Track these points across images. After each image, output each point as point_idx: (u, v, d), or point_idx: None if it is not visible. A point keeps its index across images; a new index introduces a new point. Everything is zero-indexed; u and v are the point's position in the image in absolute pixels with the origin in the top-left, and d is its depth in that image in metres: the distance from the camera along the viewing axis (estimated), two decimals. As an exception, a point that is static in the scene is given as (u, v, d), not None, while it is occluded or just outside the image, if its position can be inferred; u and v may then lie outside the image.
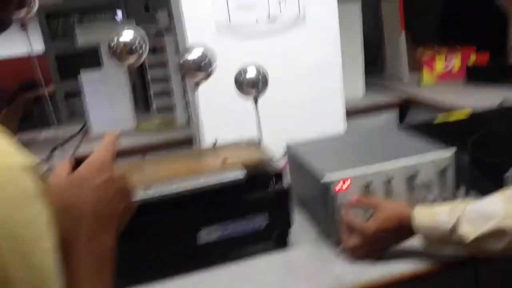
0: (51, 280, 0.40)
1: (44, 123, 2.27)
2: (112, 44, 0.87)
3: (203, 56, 0.92)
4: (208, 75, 0.93)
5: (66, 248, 0.48)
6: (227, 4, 1.36)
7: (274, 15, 1.40)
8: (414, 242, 0.83)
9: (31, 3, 0.81)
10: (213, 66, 0.93)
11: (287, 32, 1.43)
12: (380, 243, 0.85)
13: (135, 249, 0.82)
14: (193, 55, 0.92)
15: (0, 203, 0.36)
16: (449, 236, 0.76)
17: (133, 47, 0.86)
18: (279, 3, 1.39)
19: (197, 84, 0.95)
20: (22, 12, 0.81)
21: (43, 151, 1.85)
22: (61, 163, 0.61)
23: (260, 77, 0.98)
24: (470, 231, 0.74)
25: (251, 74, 0.98)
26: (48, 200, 0.42)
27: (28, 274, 0.38)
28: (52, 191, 0.52)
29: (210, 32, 1.37)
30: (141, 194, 0.81)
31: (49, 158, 1.79)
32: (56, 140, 1.87)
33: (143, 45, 0.87)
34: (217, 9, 1.36)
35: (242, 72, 0.98)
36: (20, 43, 0.88)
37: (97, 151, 0.59)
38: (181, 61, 0.93)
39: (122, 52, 0.87)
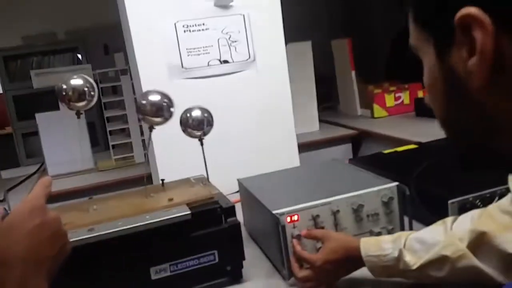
0: None
1: (2, 163, 2.25)
2: (61, 91, 0.90)
3: (161, 101, 0.94)
4: (165, 120, 0.96)
5: None
6: (179, 50, 1.41)
7: (226, 58, 1.46)
8: (363, 272, 0.86)
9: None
10: (172, 111, 0.95)
11: (239, 73, 1.49)
12: (329, 274, 0.87)
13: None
14: (150, 100, 0.94)
15: None
16: (395, 264, 0.80)
17: (82, 94, 0.90)
18: (230, 47, 1.45)
19: (151, 128, 0.97)
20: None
21: (-1, 192, 1.82)
22: None
23: (205, 118, 1.01)
24: (413, 259, 0.78)
25: (195, 115, 1.01)
26: None
27: None
28: None
29: (162, 74, 1.42)
30: (84, 235, 0.82)
31: (4, 199, 1.76)
32: (12, 181, 1.84)
33: (92, 91, 0.91)
34: (170, 54, 1.42)
35: (186, 113, 1.02)
36: None
37: (28, 197, 0.61)
38: (138, 105, 0.95)
39: (71, 98, 0.90)
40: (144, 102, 0.95)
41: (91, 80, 0.92)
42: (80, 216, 0.91)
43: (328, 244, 0.87)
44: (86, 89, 0.90)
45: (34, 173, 2.20)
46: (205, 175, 1.07)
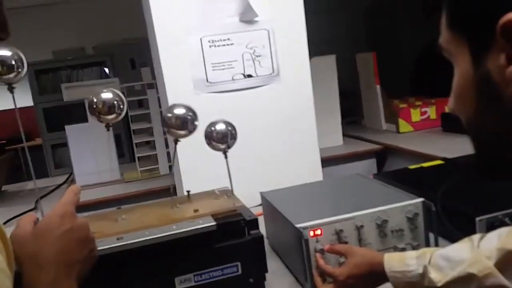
0: None
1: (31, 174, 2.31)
2: (92, 104, 0.92)
3: (186, 114, 0.96)
4: (189, 133, 0.97)
5: None
6: (204, 64, 1.44)
7: (250, 72, 1.48)
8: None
9: (19, 68, 0.86)
10: (196, 124, 0.97)
11: (263, 87, 1.51)
12: None
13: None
14: (175, 113, 0.96)
15: None
16: (419, 281, 0.79)
17: (111, 107, 0.92)
18: (254, 62, 1.47)
19: (176, 140, 0.99)
20: (11, 75, 0.86)
21: (29, 202, 1.87)
22: (26, 216, 0.66)
23: (229, 131, 1.03)
24: (439, 276, 0.77)
25: (220, 128, 1.03)
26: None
27: None
28: (17, 241, 0.60)
29: (188, 88, 1.44)
30: (113, 243, 0.84)
31: (36, 207, 1.81)
32: (42, 191, 1.89)
33: (121, 105, 0.93)
34: (195, 68, 1.44)
35: (211, 127, 1.03)
36: (10, 96, 0.93)
37: (59, 204, 0.65)
38: (164, 118, 0.97)
39: (101, 111, 0.92)
40: (169, 115, 0.96)
41: (121, 94, 0.94)
42: (109, 226, 0.93)
43: (351, 259, 0.86)
44: (115, 102, 0.92)
45: (63, 183, 2.25)
46: (230, 187, 1.08)
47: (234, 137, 1.03)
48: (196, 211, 0.96)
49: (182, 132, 0.97)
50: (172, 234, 0.87)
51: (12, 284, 0.47)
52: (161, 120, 0.99)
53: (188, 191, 1.08)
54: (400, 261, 0.82)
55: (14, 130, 2.97)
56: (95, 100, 0.92)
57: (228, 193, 1.07)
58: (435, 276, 0.77)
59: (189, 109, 0.97)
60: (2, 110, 3.61)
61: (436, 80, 2.43)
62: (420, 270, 0.78)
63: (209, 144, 1.03)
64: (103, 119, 0.93)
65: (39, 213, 1.71)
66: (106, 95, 0.93)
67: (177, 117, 0.96)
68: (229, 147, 1.03)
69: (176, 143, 1.00)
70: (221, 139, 1.02)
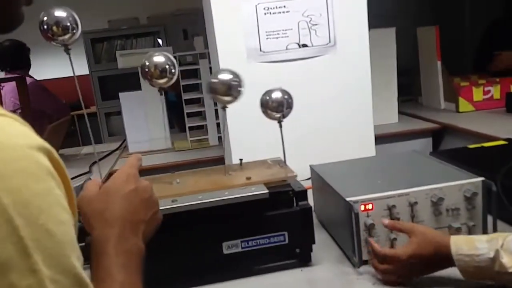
0: (68, 248, 0.42)
1: (86, 139, 2.41)
2: (144, 67, 0.92)
3: (231, 80, 0.95)
4: (235, 98, 0.96)
5: (100, 246, 0.57)
6: (258, 33, 1.41)
7: (305, 42, 1.44)
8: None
9: (74, 29, 0.88)
10: (241, 90, 0.95)
11: (318, 58, 1.46)
12: (413, 269, 0.83)
13: (161, 259, 0.87)
14: (221, 78, 0.95)
15: (16, 174, 0.39)
16: (489, 266, 0.74)
17: (163, 70, 0.92)
18: (310, 31, 1.43)
19: (224, 107, 0.98)
20: (66, 36, 0.87)
21: (83, 166, 1.95)
22: (91, 180, 0.70)
23: (285, 100, 1.00)
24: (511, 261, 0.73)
25: (276, 97, 1.00)
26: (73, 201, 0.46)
27: (45, 241, 0.39)
28: (85, 200, 0.63)
29: (241, 57, 1.42)
30: (168, 206, 0.85)
31: (88, 171, 1.87)
32: (96, 156, 1.95)
33: (173, 69, 0.93)
34: (249, 37, 1.41)
35: (267, 95, 1.01)
36: (66, 64, 0.95)
37: (123, 167, 0.68)
38: (209, 83, 0.96)
39: (153, 74, 0.92)
40: (214, 80, 0.95)
41: (172, 58, 0.94)
42: (164, 188, 0.95)
43: (415, 238, 0.82)
44: (167, 66, 0.92)
45: (117, 149, 2.32)
46: (282, 158, 1.06)
47: (290, 106, 1.01)
48: (248, 178, 0.95)
49: (227, 98, 0.95)
50: (225, 199, 0.87)
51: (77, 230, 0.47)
52: (206, 86, 0.97)
53: (240, 159, 1.07)
54: (469, 244, 0.77)
55: (70, 97, 3.09)
56: (147, 63, 0.92)
57: (280, 163, 1.06)
58: (508, 261, 0.73)
59: (234, 74, 0.95)
60: (60, 78, 3.75)
61: (502, 59, 2.30)
62: (491, 255, 0.74)
63: (264, 112, 1.02)
64: (155, 83, 0.94)
65: (93, 176, 1.79)
66: (158, 58, 0.93)
67: (222, 82, 0.94)
68: (284, 116, 1.01)
69: (224, 110, 0.98)
70: (277, 107, 1.00)
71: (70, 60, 0.92)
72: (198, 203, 0.86)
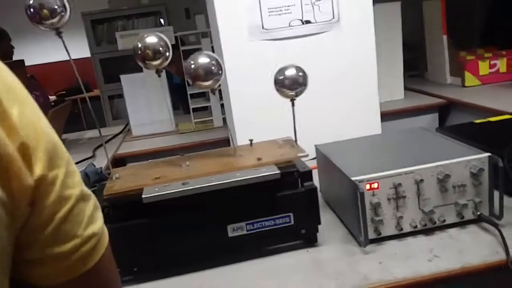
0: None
1: (90, 123, 2.39)
2: (137, 50, 0.91)
3: (210, 63, 0.91)
4: (216, 82, 0.93)
5: None
6: (260, 9, 1.38)
7: (308, 18, 1.41)
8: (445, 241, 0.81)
9: (62, 11, 0.85)
10: (221, 74, 0.92)
11: (321, 35, 1.44)
12: None
13: (172, 241, 0.87)
14: (199, 62, 0.91)
15: None
16: None
17: (156, 52, 0.90)
18: (313, 6, 1.39)
19: (212, 91, 0.95)
20: (55, 20, 0.85)
21: (87, 149, 1.94)
22: None
23: (300, 77, 0.98)
24: None
25: (290, 74, 0.98)
26: None
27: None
28: None
29: (243, 35, 1.40)
30: (180, 188, 0.85)
31: (92, 156, 1.87)
32: (99, 140, 1.95)
33: (166, 50, 0.90)
34: (250, 14, 1.38)
35: (281, 72, 0.99)
36: (71, 48, 0.93)
37: None
38: (186, 67, 0.93)
39: (146, 56, 0.90)
40: (193, 65, 0.91)
41: (165, 38, 0.92)
42: (174, 171, 0.94)
43: None
44: (160, 47, 0.90)
45: (120, 132, 2.32)
46: (292, 137, 1.05)
47: (304, 83, 0.99)
48: (259, 159, 0.94)
49: (206, 83, 0.92)
50: (236, 180, 0.86)
51: None
52: (184, 71, 0.94)
53: (250, 140, 1.06)
54: None
55: (74, 80, 3.07)
56: (139, 45, 0.90)
57: (291, 142, 1.05)
58: None
59: (212, 56, 0.92)
60: (63, 61, 3.73)
61: (508, 31, 2.26)
62: None
63: (278, 90, 1.00)
64: (149, 65, 0.92)
65: (97, 160, 1.79)
66: (151, 39, 0.90)
67: (200, 67, 0.91)
68: (297, 94, 1.00)
69: (213, 94, 0.96)
70: (291, 85, 0.98)
71: (64, 44, 0.90)
72: (210, 185, 0.85)
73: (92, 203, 0.51)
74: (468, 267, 0.81)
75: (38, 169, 0.44)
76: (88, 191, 0.51)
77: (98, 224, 0.50)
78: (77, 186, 0.49)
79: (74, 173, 0.49)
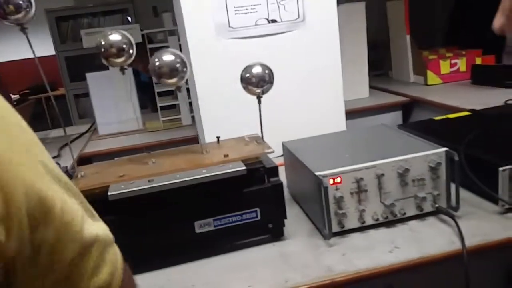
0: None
1: (55, 123, 2.35)
2: (101, 47, 0.90)
3: (174, 61, 0.91)
4: (182, 79, 0.94)
5: None
6: (227, 8, 1.39)
7: (274, 17, 1.43)
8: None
9: (27, 6, 0.84)
10: (186, 71, 0.93)
11: (287, 34, 1.46)
12: None
13: (139, 238, 0.87)
14: (164, 59, 0.91)
15: None
16: None
17: (120, 49, 0.90)
18: (279, 5, 1.42)
19: (178, 88, 0.95)
20: (20, 15, 0.84)
21: (52, 150, 1.91)
22: None
23: (266, 74, 1.00)
24: None
25: (257, 72, 1.00)
26: None
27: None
28: None
29: (210, 34, 1.41)
30: (145, 186, 0.85)
31: (58, 155, 1.84)
32: (65, 139, 1.92)
33: (130, 48, 0.91)
34: (217, 13, 1.40)
35: (247, 70, 1.01)
36: (35, 46, 0.91)
37: None
38: (152, 65, 0.93)
39: (110, 54, 0.90)
40: (157, 63, 0.91)
41: (129, 36, 0.92)
42: (140, 168, 0.94)
43: None
44: (124, 45, 0.90)
45: (86, 131, 2.29)
46: (259, 134, 1.07)
47: (270, 81, 1.01)
48: (226, 156, 0.96)
49: (172, 81, 0.92)
50: (202, 177, 0.87)
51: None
52: (149, 68, 0.94)
53: (217, 137, 1.07)
54: None
55: (38, 79, 3.01)
56: (103, 42, 0.90)
57: (258, 139, 1.07)
58: None
59: (176, 54, 0.92)
60: (27, 59, 3.65)
61: (470, 31, 2.34)
62: None
63: (245, 88, 1.01)
64: (113, 62, 0.92)
65: (62, 160, 1.76)
66: (114, 37, 0.90)
67: (164, 64, 0.91)
68: (264, 92, 1.01)
69: (179, 91, 0.97)
70: (257, 83, 1.00)
71: (28, 40, 0.89)
72: (175, 182, 0.86)
73: (97, 250, 0.45)
74: (426, 257, 0.85)
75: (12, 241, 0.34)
76: (92, 231, 0.45)
77: (104, 273, 0.45)
78: (76, 241, 0.41)
79: (72, 221, 0.41)
